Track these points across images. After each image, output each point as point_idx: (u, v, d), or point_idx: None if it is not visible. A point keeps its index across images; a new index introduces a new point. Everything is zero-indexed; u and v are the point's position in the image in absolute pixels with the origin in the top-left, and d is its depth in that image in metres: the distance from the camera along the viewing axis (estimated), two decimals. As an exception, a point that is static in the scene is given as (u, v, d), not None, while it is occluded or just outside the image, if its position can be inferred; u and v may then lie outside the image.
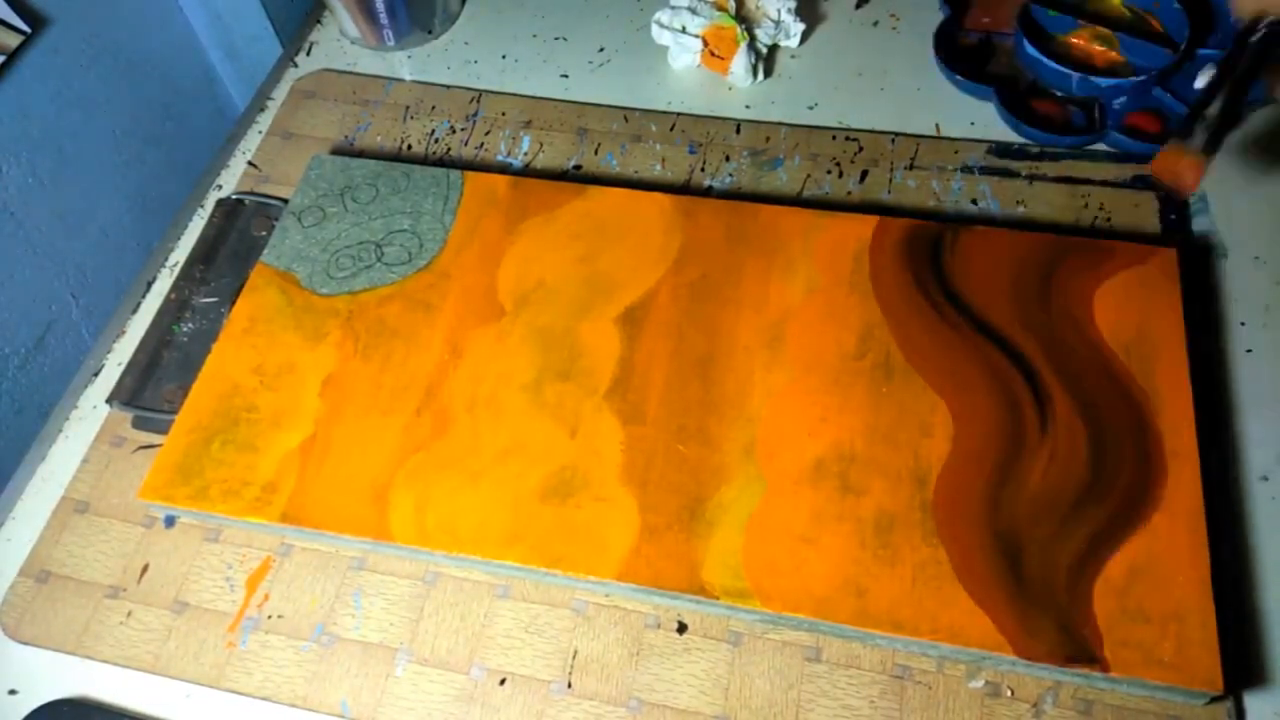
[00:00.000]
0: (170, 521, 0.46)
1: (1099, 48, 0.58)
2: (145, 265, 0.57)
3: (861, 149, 0.56)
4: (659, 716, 0.40)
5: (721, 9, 0.61)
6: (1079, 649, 0.37)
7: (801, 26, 0.62)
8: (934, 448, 0.42)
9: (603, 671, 0.41)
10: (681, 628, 0.42)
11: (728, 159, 0.57)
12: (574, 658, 0.41)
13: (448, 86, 0.62)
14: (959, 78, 0.58)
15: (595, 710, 0.40)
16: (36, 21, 0.64)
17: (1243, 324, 0.49)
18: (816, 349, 0.45)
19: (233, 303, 0.50)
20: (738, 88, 0.61)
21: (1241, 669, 0.40)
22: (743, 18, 0.61)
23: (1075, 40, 0.58)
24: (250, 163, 0.59)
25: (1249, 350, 0.48)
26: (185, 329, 0.51)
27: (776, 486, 0.42)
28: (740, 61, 0.59)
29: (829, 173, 0.55)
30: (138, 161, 0.75)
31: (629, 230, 0.50)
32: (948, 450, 0.42)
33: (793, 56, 0.62)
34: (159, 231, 0.75)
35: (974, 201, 0.53)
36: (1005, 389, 0.43)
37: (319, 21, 0.68)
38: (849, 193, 0.54)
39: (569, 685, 0.41)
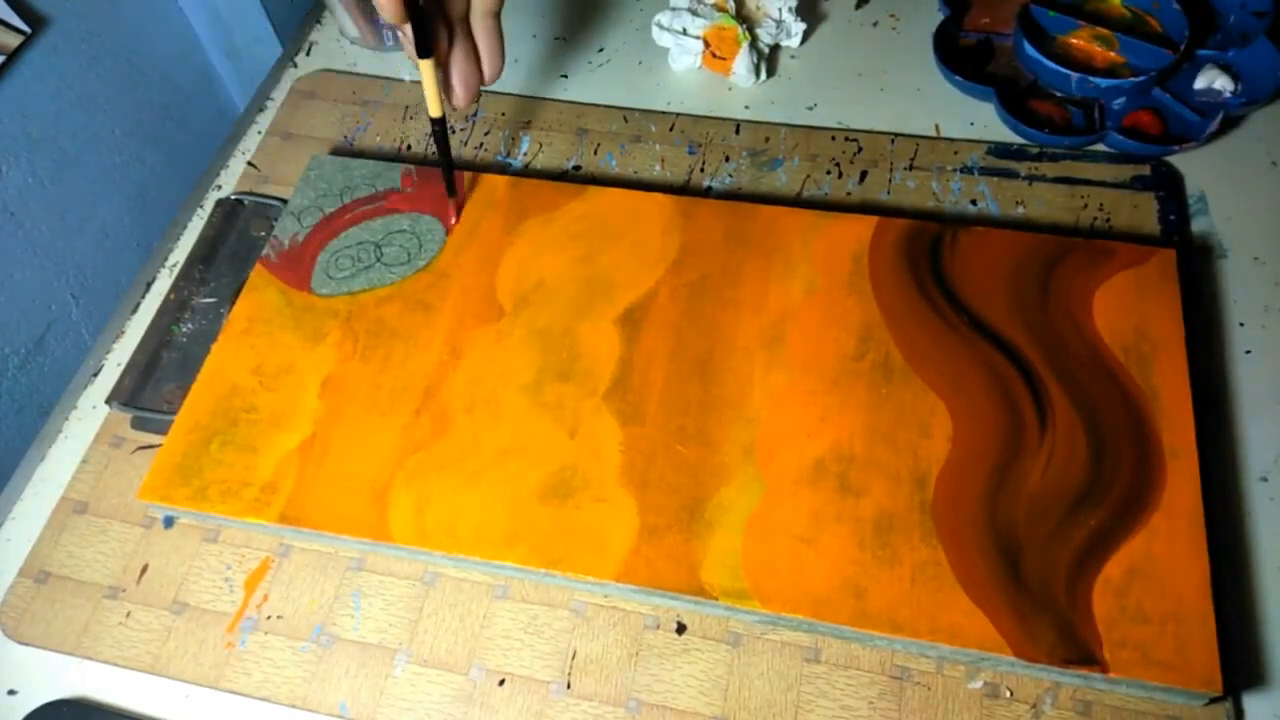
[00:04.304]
0: (169, 522, 0.46)
1: (1099, 48, 0.58)
2: (145, 265, 0.57)
3: (861, 149, 0.56)
4: (658, 717, 0.40)
5: (722, 10, 0.61)
6: (1078, 650, 0.37)
7: (803, 26, 0.61)
8: (933, 448, 0.42)
9: (602, 672, 0.41)
10: (680, 628, 0.42)
11: (727, 159, 0.57)
12: (573, 658, 0.41)
13: (447, 87, 0.62)
14: (959, 78, 0.58)
15: (594, 711, 0.40)
16: (36, 21, 0.64)
17: (1242, 324, 0.49)
18: (816, 350, 0.45)
19: (232, 303, 0.50)
20: (738, 88, 0.61)
21: (1241, 670, 0.40)
22: (743, 18, 0.61)
23: (1075, 41, 0.58)
24: (250, 163, 0.59)
25: (1248, 351, 0.48)
26: (185, 329, 0.51)
27: (776, 487, 0.42)
28: (743, 62, 0.59)
29: (828, 173, 0.55)
30: (138, 161, 0.75)
31: (628, 231, 0.50)
32: (947, 451, 0.42)
33: (792, 57, 0.62)
34: (159, 232, 0.75)
35: (973, 202, 0.53)
36: (1004, 390, 0.43)
37: (319, 22, 0.68)
38: (848, 193, 0.54)
39: (568, 686, 0.41)
